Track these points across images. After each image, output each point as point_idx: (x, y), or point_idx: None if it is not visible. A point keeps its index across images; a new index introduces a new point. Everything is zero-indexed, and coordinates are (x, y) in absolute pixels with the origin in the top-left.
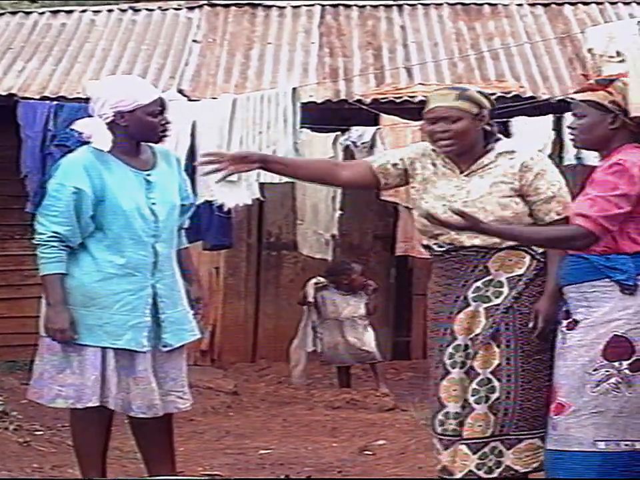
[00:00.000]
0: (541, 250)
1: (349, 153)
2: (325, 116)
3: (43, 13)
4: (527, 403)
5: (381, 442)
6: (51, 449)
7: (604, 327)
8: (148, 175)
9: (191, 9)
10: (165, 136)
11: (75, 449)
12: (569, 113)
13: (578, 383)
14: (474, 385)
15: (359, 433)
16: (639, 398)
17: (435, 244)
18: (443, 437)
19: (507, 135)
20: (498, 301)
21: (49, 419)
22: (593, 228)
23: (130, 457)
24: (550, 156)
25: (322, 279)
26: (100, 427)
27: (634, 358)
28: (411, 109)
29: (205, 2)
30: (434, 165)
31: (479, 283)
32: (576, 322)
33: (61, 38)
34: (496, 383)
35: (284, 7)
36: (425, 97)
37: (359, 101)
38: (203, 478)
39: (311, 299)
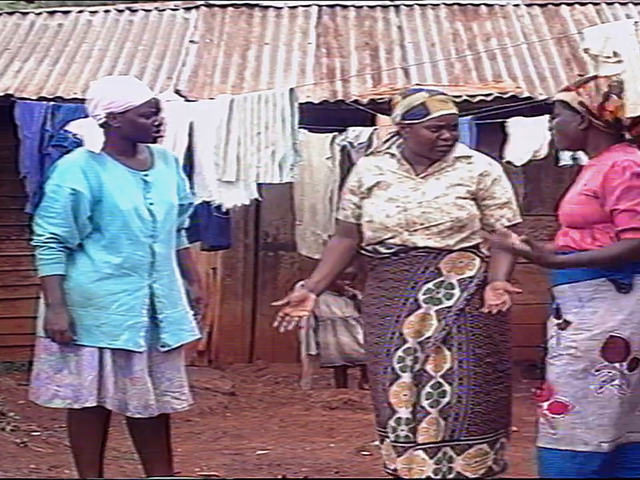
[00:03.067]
0: (488, 252)
1: (345, 154)
2: (322, 116)
3: (40, 14)
4: (477, 407)
5: (377, 442)
6: (48, 449)
7: (598, 328)
8: (145, 175)
9: (188, 9)
10: (160, 137)
11: (72, 449)
12: None
13: (582, 384)
14: (427, 389)
15: (357, 433)
16: (634, 395)
17: (382, 247)
18: (396, 444)
19: (504, 135)
20: (450, 303)
21: (46, 420)
22: None
23: (127, 457)
24: (546, 157)
25: None
26: (97, 427)
27: (630, 357)
28: None
29: (202, 2)
30: (381, 173)
31: (429, 285)
32: (567, 322)
33: (58, 38)
34: (446, 387)
35: (281, 8)
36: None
37: (356, 101)
38: (200, 478)
39: None
